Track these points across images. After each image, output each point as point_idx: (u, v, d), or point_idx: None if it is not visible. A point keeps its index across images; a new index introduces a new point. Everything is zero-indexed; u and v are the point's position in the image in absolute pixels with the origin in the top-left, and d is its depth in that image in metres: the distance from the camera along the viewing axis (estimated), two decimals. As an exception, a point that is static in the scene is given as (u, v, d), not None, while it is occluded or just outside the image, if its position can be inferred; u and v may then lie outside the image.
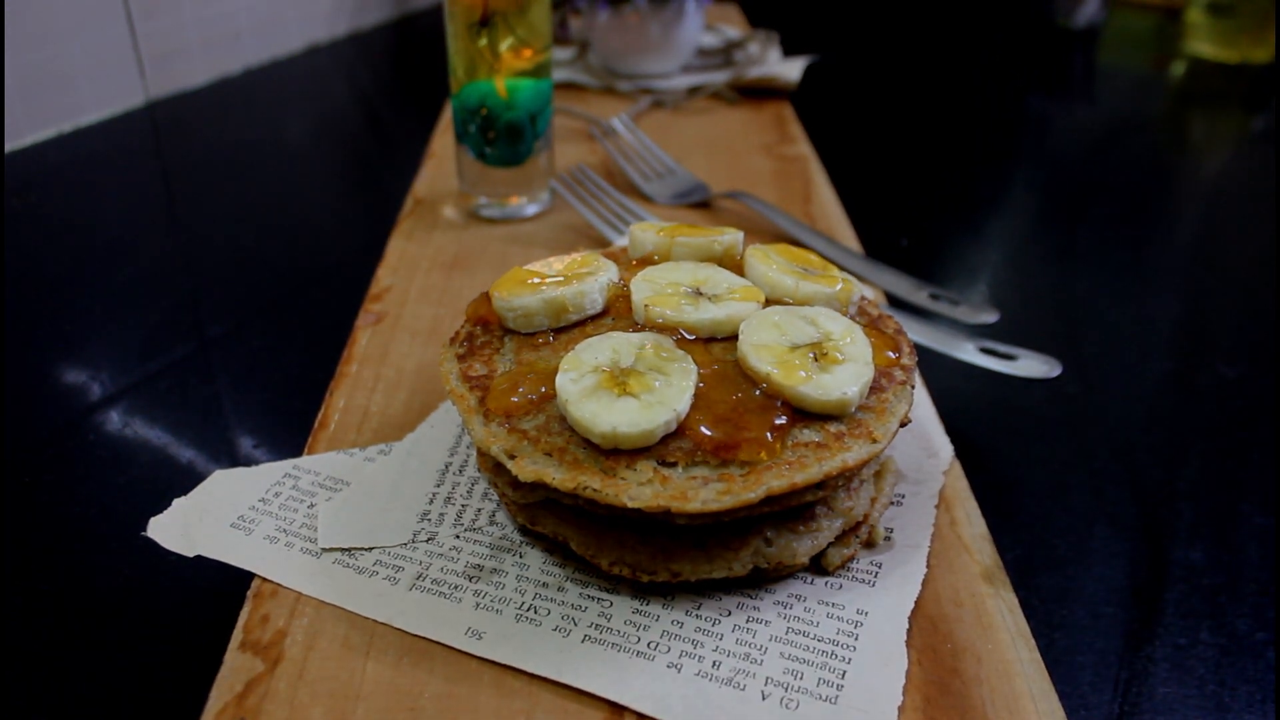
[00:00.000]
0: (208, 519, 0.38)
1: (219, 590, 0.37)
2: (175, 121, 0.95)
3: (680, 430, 0.34)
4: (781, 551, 0.35)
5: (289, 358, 0.55)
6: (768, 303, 0.40)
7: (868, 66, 1.25)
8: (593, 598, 0.35)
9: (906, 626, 0.34)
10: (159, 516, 0.38)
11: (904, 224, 0.74)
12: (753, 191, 0.72)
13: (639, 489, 0.32)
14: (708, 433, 0.33)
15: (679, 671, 0.32)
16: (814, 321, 0.37)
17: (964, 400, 0.49)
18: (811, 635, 0.33)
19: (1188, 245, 0.77)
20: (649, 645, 0.33)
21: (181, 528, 0.38)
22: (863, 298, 0.42)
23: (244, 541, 0.37)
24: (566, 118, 0.88)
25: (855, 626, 0.34)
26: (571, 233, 0.66)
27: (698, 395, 0.35)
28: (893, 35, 1.43)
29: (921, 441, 0.43)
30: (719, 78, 0.99)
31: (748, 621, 0.34)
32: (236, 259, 0.67)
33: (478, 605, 0.34)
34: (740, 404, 0.35)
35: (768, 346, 0.36)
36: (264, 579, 0.36)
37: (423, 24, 1.40)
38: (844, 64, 1.20)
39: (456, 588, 0.35)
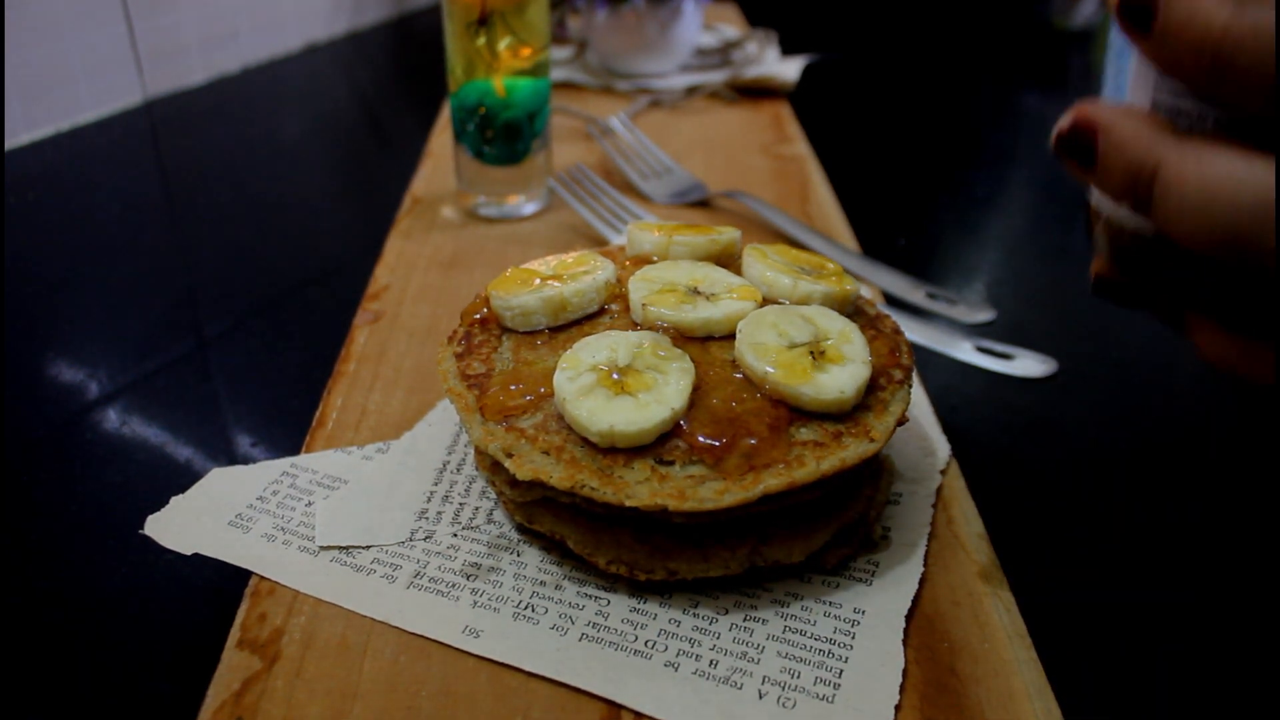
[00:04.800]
0: (205, 517, 0.38)
1: (216, 588, 0.37)
2: (173, 120, 0.95)
3: (678, 429, 0.34)
4: (778, 550, 0.35)
5: (287, 356, 0.55)
6: (765, 302, 0.40)
7: (865, 66, 1.25)
8: (590, 596, 0.35)
9: (904, 625, 0.34)
10: (156, 514, 0.38)
11: (901, 223, 0.75)
12: (750, 191, 0.72)
13: (636, 487, 0.32)
14: (705, 431, 0.33)
15: (676, 670, 0.32)
16: (811, 321, 0.37)
17: (961, 399, 0.49)
18: (809, 634, 0.33)
19: (1185, 245, 0.77)
20: (646, 644, 0.33)
21: (179, 526, 0.38)
22: (860, 297, 0.42)
23: (241, 539, 0.37)
24: (564, 117, 0.88)
25: (852, 625, 0.34)
26: (569, 232, 0.66)
27: (695, 394, 0.35)
28: (890, 35, 1.43)
29: (919, 440, 0.43)
30: (717, 77, 0.99)
31: (745, 620, 0.34)
32: (234, 257, 0.67)
33: (475, 603, 0.34)
34: (738, 403, 0.35)
35: (765, 346, 0.36)
36: (261, 577, 0.36)
37: (421, 23, 1.40)
38: (842, 64, 1.21)
39: (454, 586, 0.35)
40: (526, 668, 0.32)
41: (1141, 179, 0.23)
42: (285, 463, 0.42)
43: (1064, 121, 0.25)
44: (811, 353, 0.36)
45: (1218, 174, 0.21)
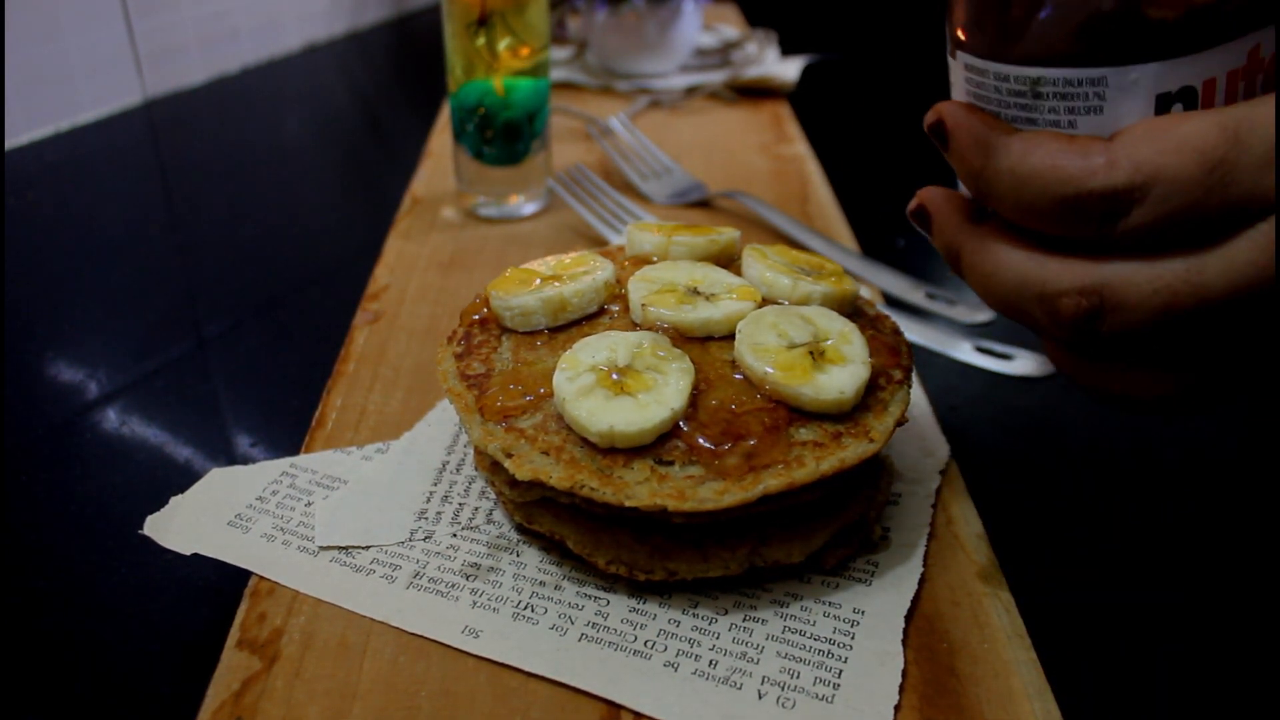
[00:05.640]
0: (205, 517, 0.38)
1: (216, 588, 0.37)
2: (173, 120, 0.95)
3: (677, 429, 0.34)
4: (778, 551, 0.35)
5: (286, 356, 0.55)
6: (765, 302, 0.40)
7: (865, 67, 1.25)
8: (589, 596, 0.35)
9: (903, 625, 0.34)
10: (156, 514, 0.38)
11: (900, 224, 0.74)
12: (750, 191, 0.72)
13: (636, 488, 0.32)
14: (705, 432, 0.33)
15: (675, 670, 0.32)
16: (811, 321, 0.37)
17: (961, 399, 0.49)
18: (808, 634, 0.33)
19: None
20: (646, 644, 0.33)
21: (178, 526, 0.38)
22: (860, 297, 0.42)
23: (241, 540, 0.37)
24: (564, 117, 0.89)
25: (852, 626, 0.34)
26: (569, 232, 0.66)
27: (695, 395, 0.35)
28: (890, 35, 1.43)
29: (918, 441, 0.43)
30: (716, 77, 0.99)
31: (744, 620, 0.34)
32: (234, 258, 0.67)
33: (475, 604, 0.34)
34: (738, 403, 0.35)
35: (765, 346, 0.36)
36: (261, 577, 0.36)
37: (421, 23, 1.40)
38: (841, 64, 1.21)
39: (453, 586, 0.35)
40: (526, 668, 0.32)
41: (952, 258, 0.31)
42: (285, 463, 0.42)
43: (912, 203, 0.32)
44: (811, 353, 0.36)
45: (993, 263, 0.29)
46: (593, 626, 0.34)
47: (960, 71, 0.30)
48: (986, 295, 0.29)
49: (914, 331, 0.53)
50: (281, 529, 0.38)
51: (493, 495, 0.40)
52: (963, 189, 0.32)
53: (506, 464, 0.34)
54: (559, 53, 1.06)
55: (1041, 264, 0.27)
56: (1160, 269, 0.25)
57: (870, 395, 0.36)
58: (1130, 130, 0.25)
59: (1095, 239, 0.26)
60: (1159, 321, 0.25)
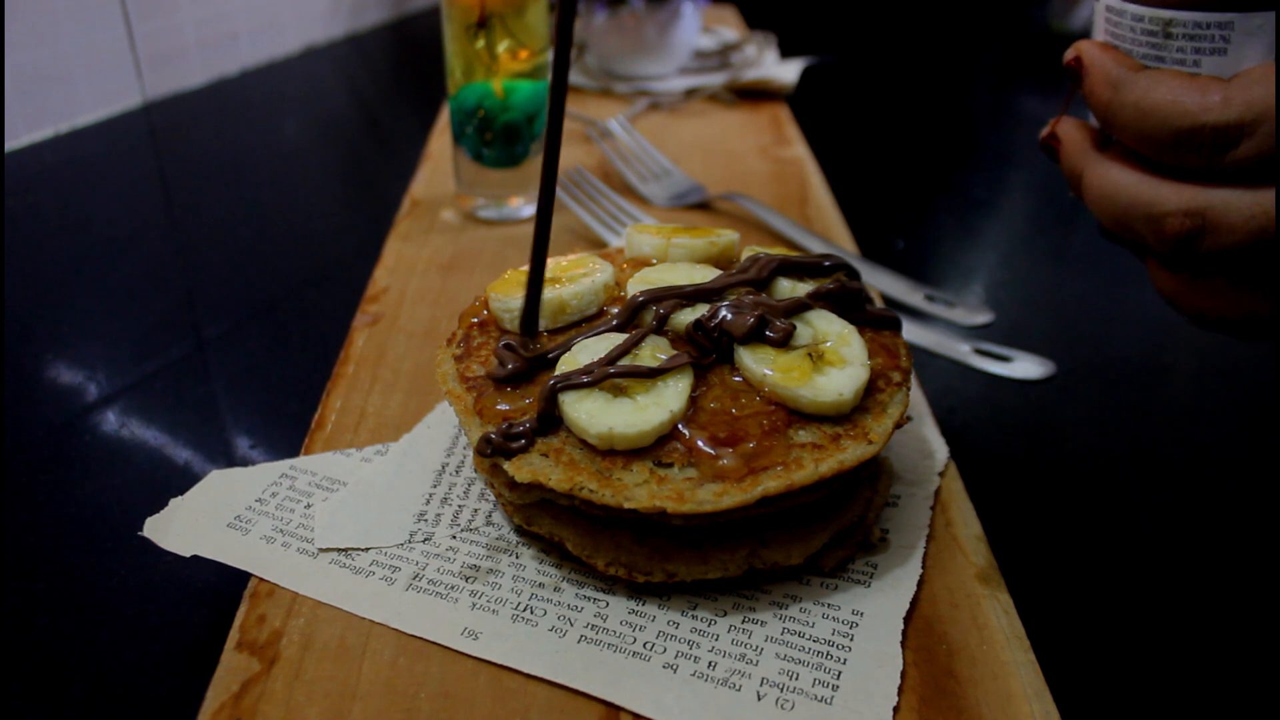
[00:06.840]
0: (204, 519, 0.38)
1: (215, 590, 0.37)
2: (172, 122, 0.95)
3: (676, 431, 0.34)
4: (777, 553, 0.35)
5: (286, 358, 0.55)
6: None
7: (864, 69, 1.25)
8: (589, 598, 0.35)
9: (902, 627, 0.34)
10: (155, 516, 0.38)
11: (900, 226, 0.75)
12: (749, 193, 0.72)
13: (635, 490, 0.32)
14: (704, 434, 0.33)
15: (675, 672, 0.32)
16: (810, 323, 0.37)
17: (960, 401, 0.49)
18: (807, 636, 0.33)
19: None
20: (645, 646, 0.33)
21: (178, 527, 0.38)
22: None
23: (240, 541, 0.37)
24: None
25: (851, 627, 0.34)
26: (568, 234, 0.66)
27: (694, 397, 0.35)
28: (889, 38, 1.43)
29: (917, 443, 0.43)
30: (716, 80, 0.99)
31: (744, 622, 0.34)
32: (234, 260, 0.67)
33: (474, 605, 0.34)
34: (737, 406, 0.35)
35: (764, 348, 0.36)
36: (260, 579, 0.36)
37: (420, 25, 1.40)
38: (840, 66, 1.21)
39: (453, 588, 0.35)
40: (525, 669, 0.32)
41: (1075, 179, 0.34)
42: (284, 465, 0.42)
43: (1045, 131, 0.36)
44: (810, 355, 0.36)
45: (1111, 184, 0.32)
46: (592, 628, 0.34)
47: (1101, 13, 0.33)
48: (1101, 213, 0.33)
49: (913, 333, 0.53)
50: (281, 531, 0.38)
51: (492, 497, 0.40)
52: (1092, 121, 0.35)
53: (505, 466, 0.34)
54: (558, 55, 1.06)
55: (1153, 186, 0.30)
56: (1259, 197, 0.28)
57: (869, 397, 0.36)
58: (1248, 72, 0.28)
59: (1204, 168, 0.29)
60: (1253, 245, 0.28)
